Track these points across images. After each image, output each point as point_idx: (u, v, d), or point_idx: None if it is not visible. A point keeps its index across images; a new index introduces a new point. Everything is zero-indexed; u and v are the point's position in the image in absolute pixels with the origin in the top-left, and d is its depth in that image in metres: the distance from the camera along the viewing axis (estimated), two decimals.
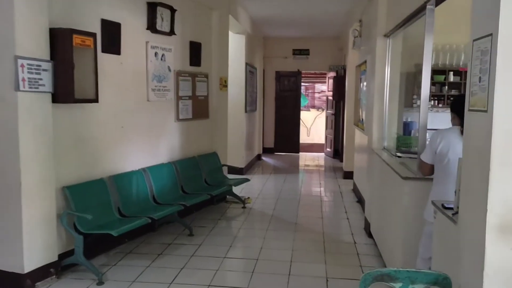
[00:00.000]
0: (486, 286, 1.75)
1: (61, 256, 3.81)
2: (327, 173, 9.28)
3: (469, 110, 1.98)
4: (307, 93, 15.57)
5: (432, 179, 3.16)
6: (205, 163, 6.07)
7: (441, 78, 5.78)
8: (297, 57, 11.69)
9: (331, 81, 11.40)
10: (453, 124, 3.06)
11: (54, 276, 3.70)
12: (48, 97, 3.60)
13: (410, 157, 4.20)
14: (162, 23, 5.08)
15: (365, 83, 6.03)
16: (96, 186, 4.16)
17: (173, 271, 3.96)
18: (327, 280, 3.82)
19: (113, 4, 4.40)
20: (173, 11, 5.22)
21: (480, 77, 1.85)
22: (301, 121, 12.51)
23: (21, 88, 3.34)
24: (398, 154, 4.29)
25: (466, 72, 5.89)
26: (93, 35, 4.01)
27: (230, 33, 7.08)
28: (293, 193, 7.38)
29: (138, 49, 4.84)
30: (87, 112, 4.10)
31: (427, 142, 3.09)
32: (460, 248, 2.01)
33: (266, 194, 7.25)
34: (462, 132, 2.91)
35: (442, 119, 5.96)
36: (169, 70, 5.36)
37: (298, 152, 12.10)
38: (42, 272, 3.60)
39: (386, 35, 4.79)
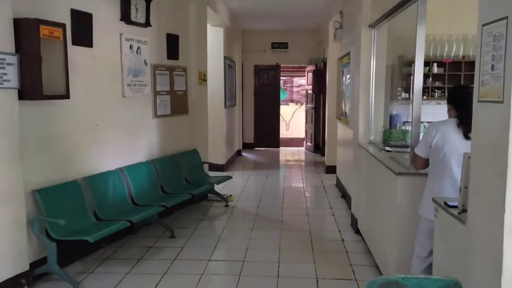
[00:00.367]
0: None
1: (33, 265, 3.52)
2: (309, 168, 9.16)
3: (479, 101, 1.82)
4: (285, 87, 15.42)
5: (426, 173, 3.03)
6: (185, 161, 5.83)
7: (425, 69, 5.68)
8: (276, 51, 11.51)
9: (310, 74, 11.28)
10: (449, 116, 2.93)
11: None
12: (14, 93, 3.30)
13: (399, 151, 4.08)
14: (137, 14, 4.80)
15: (348, 76, 5.89)
16: (69, 188, 3.88)
17: (155, 277, 3.73)
18: (317, 281, 3.67)
19: None
20: (148, 1, 4.95)
21: (493, 65, 1.70)
22: (280, 116, 12.35)
23: None
24: (387, 148, 4.15)
25: (449, 63, 5.85)
26: (62, 26, 3.72)
27: (208, 26, 6.82)
28: (276, 190, 7.22)
29: (112, 42, 4.55)
30: (58, 110, 3.81)
31: (422, 135, 2.94)
32: (471, 251, 1.86)
33: (249, 191, 7.06)
34: (458, 125, 2.79)
35: (426, 111, 5.88)
36: (146, 64, 5.08)
37: (278, 147, 11.95)
38: (12, 284, 3.31)
39: (371, 26, 4.64)
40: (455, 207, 2.15)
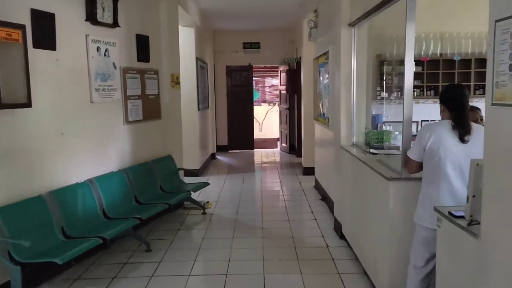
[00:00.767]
0: None
1: None
2: (285, 170, 8.99)
3: (494, 104, 1.66)
4: (257, 88, 15.25)
5: (419, 178, 2.89)
6: (159, 168, 5.53)
7: (403, 68, 5.61)
8: (248, 51, 11.30)
9: (283, 74, 11.14)
10: (442, 118, 2.80)
11: None
12: None
13: (385, 153, 3.95)
14: (104, 14, 4.49)
15: (326, 76, 5.74)
16: (33, 205, 3.54)
17: None
18: None
19: None
20: (115, 0, 4.63)
21: (510, 65, 1.54)
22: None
23: None
24: (372, 150, 4.01)
25: (427, 62, 5.80)
26: (21, 27, 3.40)
27: (179, 26, 6.53)
28: (255, 194, 7.01)
29: (77, 44, 4.23)
30: (18, 119, 3.47)
31: (417, 138, 2.79)
32: (486, 268, 1.71)
33: (226, 196, 6.82)
34: (453, 127, 2.66)
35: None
36: (114, 67, 4.77)
37: (253, 149, 11.75)
38: None
39: (351, 25, 4.50)
40: (462, 217, 2.00)
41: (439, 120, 2.82)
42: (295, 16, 8.79)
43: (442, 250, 2.23)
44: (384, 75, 5.47)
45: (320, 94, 6.36)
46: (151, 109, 5.56)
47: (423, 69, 5.72)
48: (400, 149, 3.94)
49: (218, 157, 10.71)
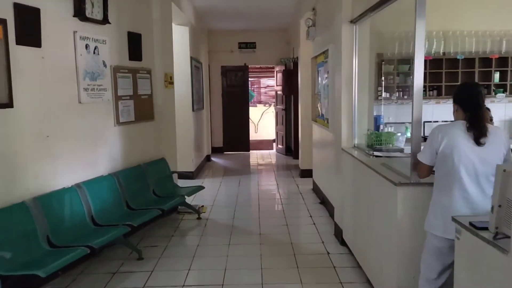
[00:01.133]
0: None
1: None
2: (282, 172, 8.79)
3: None
4: (252, 88, 15.04)
5: (429, 183, 2.70)
6: (152, 172, 5.31)
7: (405, 68, 5.44)
8: (243, 51, 11.10)
9: (280, 75, 10.94)
10: (456, 118, 2.60)
11: None
12: None
13: (389, 156, 3.76)
14: (93, 10, 4.26)
15: (325, 76, 5.55)
16: (15, 212, 3.31)
17: None
18: None
19: None
20: None
21: None
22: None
23: None
24: (375, 153, 3.81)
25: (430, 60, 5.62)
26: (2, 22, 3.18)
27: (173, 25, 6.31)
28: (251, 197, 6.80)
29: (64, 41, 4.00)
30: None
31: (428, 140, 2.59)
32: None
33: (222, 200, 6.60)
34: (468, 129, 2.46)
35: (408, 111, 5.63)
36: (105, 65, 4.54)
37: (248, 150, 11.54)
38: None
39: (353, 21, 4.31)
40: (485, 229, 1.80)
41: (452, 121, 2.63)
42: (292, 15, 8.60)
43: (461, 264, 2.03)
44: (383, 75, 5.29)
45: (319, 94, 6.16)
46: (144, 110, 5.34)
47: (425, 68, 5.51)
48: (407, 151, 3.80)
49: (213, 159, 10.49)
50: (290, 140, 10.72)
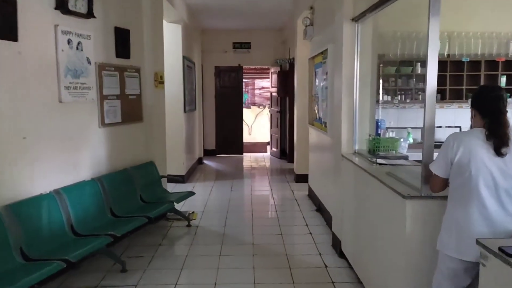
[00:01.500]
0: None
1: None
2: (276, 177, 8.51)
3: None
4: (246, 90, 14.77)
5: (442, 196, 2.44)
6: (139, 176, 5.01)
7: (408, 70, 5.19)
8: (238, 51, 10.83)
9: (275, 76, 10.67)
10: (473, 125, 2.34)
11: None
12: None
13: (393, 164, 3.50)
14: (77, 2, 3.96)
15: (323, 77, 5.29)
16: None
17: None
18: None
19: None
20: None
21: None
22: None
23: None
24: (379, 160, 3.55)
25: None
26: None
27: (165, 23, 6.02)
28: (244, 204, 6.51)
29: (44, 35, 3.69)
30: None
31: (442, 149, 2.33)
32: None
33: (213, 206, 6.30)
34: (487, 137, 2.20)
35: (410, 116, 5.41)
36: (89, 62, 4.24)
37: (242, 153, 11.25)
38: None
39: (354, 19, 4.04)
40: None
41: (469, 129, 2.37)
42: (289, 14, 8.34)
43: None
44: (381, 77, 5.03)
45: (316, 96, 5.90)
46: (132, 110, 5.03)
47: None
48: (411, 159, 3.55)
49: (205, 162, 10.19)
50: (285, 143, 10.45)
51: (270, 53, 10.71)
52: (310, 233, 5.01)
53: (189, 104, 8.19)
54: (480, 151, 2.20)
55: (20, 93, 3.39)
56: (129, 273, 3.89)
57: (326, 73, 5.07)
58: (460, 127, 5.07)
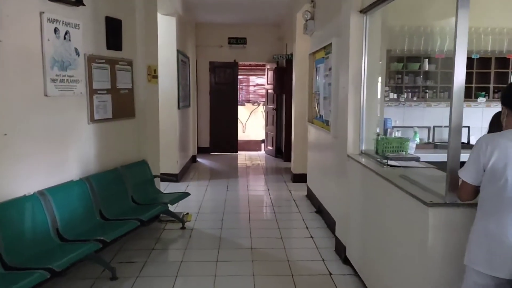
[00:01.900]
0: None
1: None
2: (273, 176, 8.25)
3: None
4: (241, 87, 14.50)
5: (470, 204, 2.20)
6: (131, 176, 4.72)
7: (415, 66, 4.95)
8: (233, 46, 10.54)
9: (271, 73, 10.41)
10: (506, 126, 2.10)
11: None
12: None
13: (406, 166, 3.26)
14: None
15: (326, 73, 5.04)
16: None
17: None
18: None
19: None
20: None
21: None
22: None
23: None
24: (390, 162, 3.31)
25: (442, 59, 5.15)
26: None
27: (158, 15, 5.72)
28: (240, 204, 6.25)
29: (28, 23, 3.39)
30: None
31: (473, 153, 2.08)
32: None
33: (208, 207, 6.03)
34: None
35: (416, 114, 5.18)
36: (77, 53, 3.94)
37: (236, 151, 10.99)
38: None
39: (363, 11, 3.79)
40: None
41: (503, 130, 2.13)
42: (287, 8, 8.07)
43: None
44: (394, 74, 4.79)
45: (317, 93, 5.65)
46: (123, 106, 4.74)
47: (436, 68, 5.04)
48: (422, 161, 3.32)
49: (199, 160, 9.91)
50: (280, 141, 10.21)
51: (266, 49, 10.44)
52: (311, 237, 4.77)
53: (183, 100, 7.90)
54: None
55: (0, 85, 3.09)
56: (119, 281, 3.61)
57: (329, 69, 4.83)
58: (468, 127, 4.86)
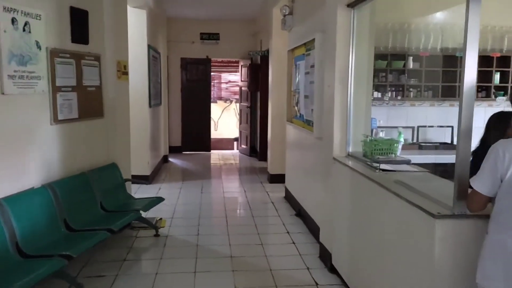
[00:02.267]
0: None
1: None
2: (248, 177, 8.00)
3: None
4: (212, 84, 14.16)
5: (482, 216, 2.02)
6: (100, 180, 4.35)
7: (400, 64, 4.80)
8: (206, 42, 10.19)
9: (245, 70, 10.15)
10: None
11: None
12: None
13: (398, 170, 3.08)
14: None
15: (307, 71, 4.82)
16: None
17: None
18: None
19: None
20: None
21: None
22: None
23: None
24: (382, 166, 3.11)
25: (427, 57, 5.02)
26: None
27: (128, 7, 5.35)
28: (217, 208, 5.96)
29: None
30: None
31: (488, 161, 1.88)
32: None
33: (183, 211, 5.72)
34: None
35: (400, 114, 5.04)
36: (39, 47, 3.55)
37: (209, 150, 10.67)
38: None
39: (350, 5, 3.58)
40: None
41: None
42: (261, 2, 7.82)
43: None
44: (377, 72, 4.62)
45: (297, 92, 5.43)
46: (90, 104, 4.37)
47: (421, 66, 4.91)
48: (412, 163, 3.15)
49: (171, 159, 9.53)
50: (255, 140, 9.97)
51: (239, 45, 10.15)
52: (293, 243, 4.55)
53: (154, 98, 7.52)
54: None
55: None
56: None
57: (311, 66, 4.61)
58: (452, 126, 4.76)
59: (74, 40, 4.07)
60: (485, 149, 1.95)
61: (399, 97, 4.86)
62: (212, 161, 9.64)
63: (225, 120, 13.60)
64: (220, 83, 14.72)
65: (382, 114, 4.82)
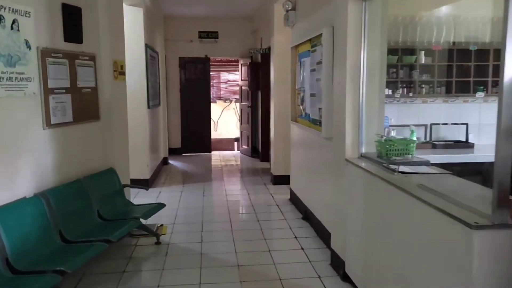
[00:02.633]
0: None
1: None
2: (251, 178, 7.76)
3: None
4: (212, 83, 13.93)
5: None
6: (97, 187, 4.12)
7: (411, 59, 4.56)
8: (204, 41, 9.96)
9: (245, 68, 9.91)
10: None
11: None
12: None
13: (418, 172, 2.85)
14: None
15: (313, 68, 4.59)
16: None
17: None
18: None
19: None
20: None
21: None
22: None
23: None
24: (402, 168, 2.88)
25: (439, 51, 4.79)
26: None
27: (124, 5, 5.11)
28: (220, 212, 5.72)
29: None
30: None
31: None
32: None
33: (185, 216, 5.49)
34: None
35: (411, 111, 4.81)
36: (28, 46, 3.32)
37: (209, 152, 10.43)
38: None
39: None
40: None
41: None
42: (259, 1, 7.57)
43: None
44: (388, 67, 4.38)
45: (302, 90, 5.19)
46: (86, 107, 4.13)
47: (433, 61, 4.67)
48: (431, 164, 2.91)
49: (170, 162, 9.29)
50: (256, 140, 9.74)
51: (239, 44, 9.92)
52: (302, 248, 4.32)
53: (152, 98, 7.29)
54: None
55: None
56: None
57: (318, 63, 4.38)
58: (466, 124, 4.53)
59: (67, 39, 3.83)
60: None
61: (410, 94, 4.62)
62: (213, 163, 9.41)
63: (225, 120, 13.40)
64: (219, 82, 14.50)
65: (393, 112, 4.59)
